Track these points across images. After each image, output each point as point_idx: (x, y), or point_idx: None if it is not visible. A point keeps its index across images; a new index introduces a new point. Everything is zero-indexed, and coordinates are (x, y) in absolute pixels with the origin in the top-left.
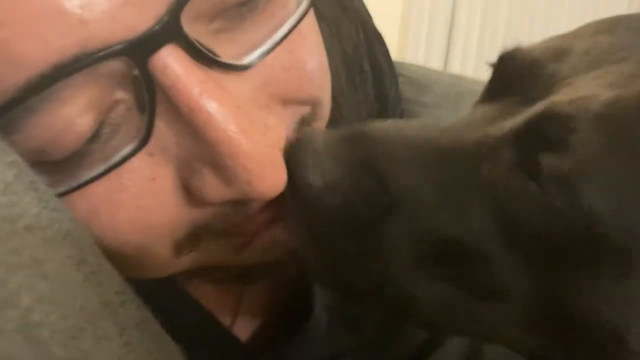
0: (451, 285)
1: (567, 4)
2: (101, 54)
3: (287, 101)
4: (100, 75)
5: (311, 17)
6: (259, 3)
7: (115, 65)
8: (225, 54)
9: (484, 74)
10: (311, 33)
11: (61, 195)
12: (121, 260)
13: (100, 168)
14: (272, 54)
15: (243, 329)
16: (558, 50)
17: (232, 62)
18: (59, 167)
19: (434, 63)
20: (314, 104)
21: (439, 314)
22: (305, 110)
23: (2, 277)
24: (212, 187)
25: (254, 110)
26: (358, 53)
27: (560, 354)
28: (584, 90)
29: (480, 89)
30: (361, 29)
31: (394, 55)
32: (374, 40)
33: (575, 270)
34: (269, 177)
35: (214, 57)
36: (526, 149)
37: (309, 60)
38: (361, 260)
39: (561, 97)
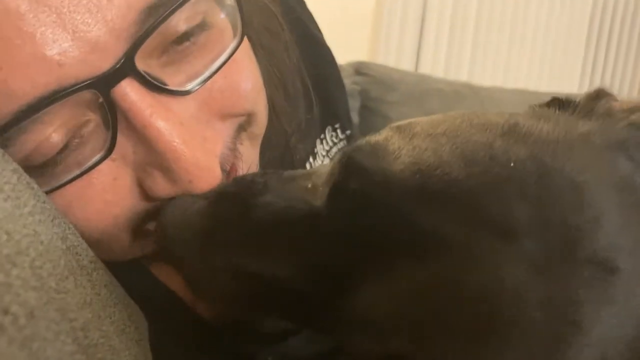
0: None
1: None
2: (74, 88)
3: (224, 116)
4: (73, 102)
5: (245, 46)
6: (197, 39)
7: (86, 95)
8: (172, 82)
9: (454, 75)
10: (245, 59)
11: (46, 193)
12: (93, 244)
13: (76, 171)
14: (210, 80)
15: (204, 307)
16: None
17: (176, 89)
18: (40, 170)
19: (405, 65)
20: (249, 114)
21: None
22: (242, 119)
23: (17, 240)
24: (161, 186)
25: (195, 125)
26: (290, 74)
27: None
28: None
29: (444, 87)
30: (294, 54)
31: (366, 56)
32: (319, 59)
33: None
34: (206, 177)
35: (161, 85)
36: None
37: (243, 82)
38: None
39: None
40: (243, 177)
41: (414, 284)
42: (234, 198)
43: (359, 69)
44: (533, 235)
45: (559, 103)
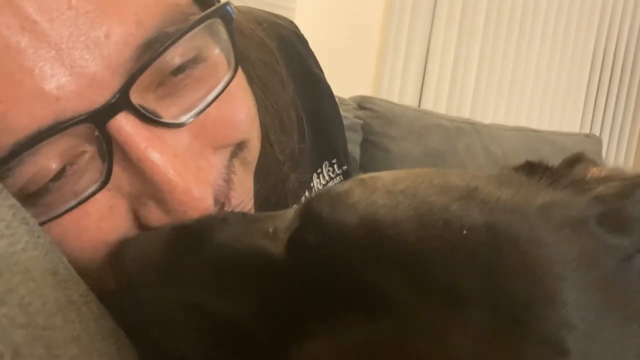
0: None
1: (537, 44)
2: (71, 122)
3: (216, 147)
4: (70, 135)
5: (239, 78)
6: (192, 72)
7: (82, 128)
8: (167, 115)
9: (456, 111)
10: (238, 91)
11: (42, 224)
12: (87, 274)
13: (72, 202)
14: (203, 112)
15: None
16: None
17: (171, 122)
18: (36, 200)
19: (408, 100)
20: (242, 143)
21: None
22: (234, 146)
23: (9, 278)
24: (156, 216)
25: (189, 157)
26: (285, 105)
27: None
28: None
29: (446, 123)
30: (289, 86)
31: (370, 91)
32: (316, 94)
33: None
34: (199, 207)
35: (156, 118)
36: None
37: (236, 114)
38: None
39: None
40: (206, 215)
41: (359, 342)
42: (190, 234)
43: (362, 103)
44: (481, 307)
45: (530, 167)
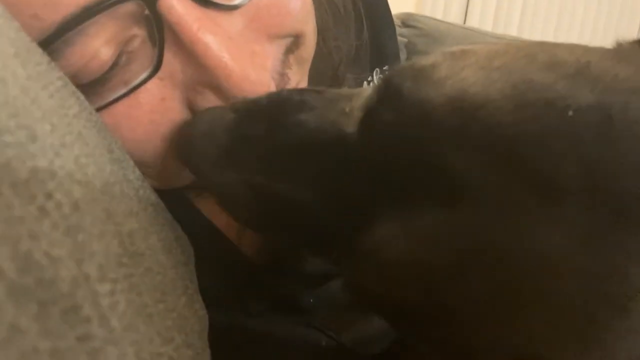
0: None
1: None
2: None
3: (272, 36)
4: (119, 15)
5: None
6: None
7: (131, 7)
8: None
9: (502, 29)
10: None
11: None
12: (141, 168)
13: (122, 90)
14: None
15: (249, 245)
16: None
17: (224, 3)
18: (89, 89)
19: (453, 17)
20: (297, 35)
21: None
22: (289, 40)
23: (62, 134)
24: (214, 104)
25: (243, 41)
26: None
27: None
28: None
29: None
30: None
31: (413, 8)
32: None
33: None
34: (259, 92)
35: None
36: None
37: (291, 0)
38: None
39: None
40: (279, 92)
41: (432, 229)
42: (263, 113)
43: (406, 20)
44: (580, 199)
45: None
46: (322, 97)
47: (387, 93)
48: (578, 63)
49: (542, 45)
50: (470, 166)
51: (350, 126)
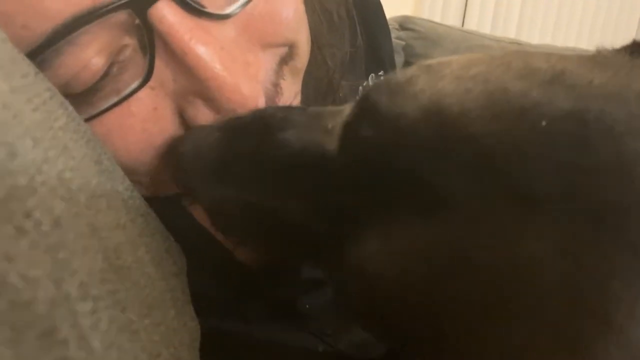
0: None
1: None
2: (109, 7)
3: (265, 45)
4: (110, 24)
5: None
6: None
7: (122, 17)
8: (212, 5)
9: (501, 31)
10: None
11: (85, 121)
12: (133, 177)
13: (114, 99)
14: (250, 4)
15: (243, 251)
16: None
17: (216, 12)
18: (80, 98)
19: (451, 20)
20: (291, 45)
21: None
22: (283, 51)
23: (45, 148)
24: (205, 115)
25: (236, 51)
26: (334, 2)
27: None
28: None
29: (491, 44)
30: None
31: (411, 11)
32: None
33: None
34: (250, 106)
35: (201, 8)
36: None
37: (284, 9)
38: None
39: None
40: (263, 110)
41: (413, 242)
42: (247, 132)
43: (404, 23)
44: (562, 209)
45: (636, 47)
46: (306, 114)
47: (365, 109)
48: (553, 70)
49: (518, 53)
50: (447, 178)
51: (332, 143)
